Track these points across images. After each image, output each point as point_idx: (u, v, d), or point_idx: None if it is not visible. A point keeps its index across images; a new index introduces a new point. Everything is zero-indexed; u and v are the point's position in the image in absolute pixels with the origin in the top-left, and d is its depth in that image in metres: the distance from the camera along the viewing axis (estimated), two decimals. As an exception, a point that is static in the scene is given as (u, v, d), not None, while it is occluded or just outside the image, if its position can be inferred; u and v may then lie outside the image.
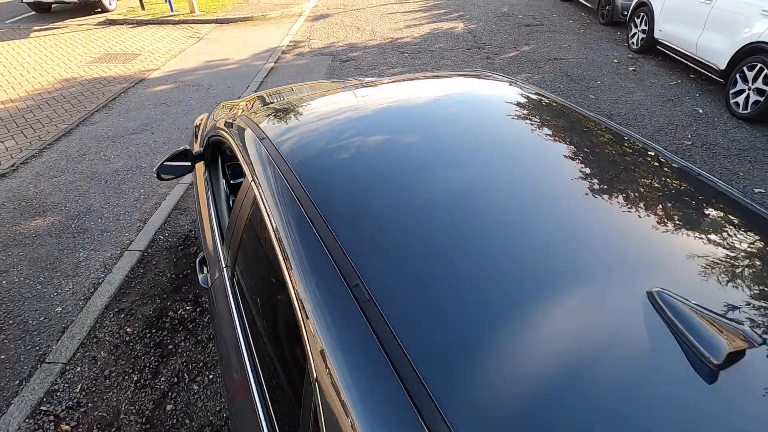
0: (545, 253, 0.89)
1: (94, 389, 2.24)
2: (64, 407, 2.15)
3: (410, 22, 8.70)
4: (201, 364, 2.35)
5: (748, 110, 4.55)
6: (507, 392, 0.66)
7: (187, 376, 2.29)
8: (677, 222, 0.99)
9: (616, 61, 6.44)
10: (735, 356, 0.67)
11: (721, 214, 1.04)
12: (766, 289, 0.84)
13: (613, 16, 7.85)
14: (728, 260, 0.89)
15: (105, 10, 9.75)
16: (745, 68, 4.56)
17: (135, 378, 2.29)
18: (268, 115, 1.62)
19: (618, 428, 0.62)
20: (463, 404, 0.65)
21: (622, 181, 1.12)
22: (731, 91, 4.76)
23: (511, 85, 1.72)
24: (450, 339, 0.74)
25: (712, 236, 0.95)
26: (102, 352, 2.42)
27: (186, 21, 9.07)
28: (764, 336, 0.71)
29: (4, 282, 2.85)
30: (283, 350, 1.06)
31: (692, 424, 0.63)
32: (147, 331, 2.54)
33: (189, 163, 2.18)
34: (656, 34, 6.19)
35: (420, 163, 1.15)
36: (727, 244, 0.94)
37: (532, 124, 1.38)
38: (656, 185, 1.12)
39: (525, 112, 1.47)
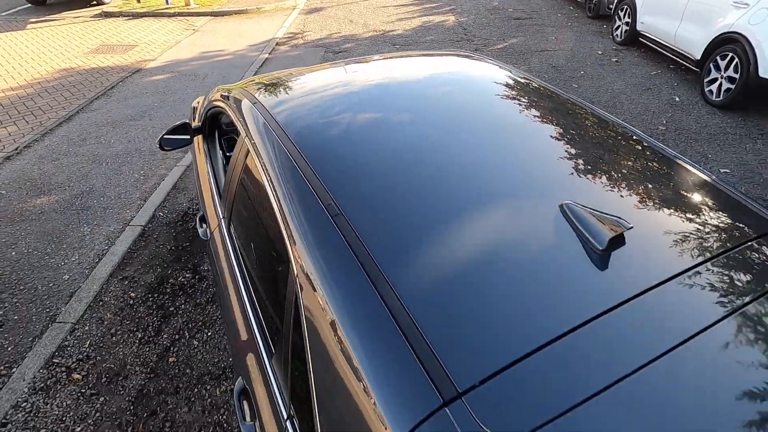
0: (493, 178, 1.10)
1: (101, 345, 2.43)
2: (74, 360, 2.35)
3: (402, 16, 8.86)
4: (200, 323, 2.55)
5: (721, 98, 4.78)
6: (445, 267, 0.87)
7: (187, 334, 2.49)
8: (590, 157, 1.21)
9: (600, 52, 6.65)
10: (616, 242, 0.88)
11: (622, 150, 1.29)
12: (640, 191, 1.07)
13: (600, 9, 8.07)
14: (620, 179, 1.13)
15: (101, 3, 9.84)
16: (718, 57, 4.78)
17: (139, 335, 2.49)
18: (260, 87, 1.81)
19: (531, 290, 0.84)
20: (410, 277, 0.86)
21: (558, 133, 1.33)
22: (706, 80, 4.98)
23: (479, 60, 1.92)
24: (403, 234, 0.94)
25: (611, 164, 1.20)
26: (108, 314, 2.61)
27: (181, 13, 9.19)
28: (635, 224, 0.93)
29: (13, 253, 3.03)
30: (272, 261, 1.25)
31: (581, 289, 0.84)
32: (149, 295, 2.74)
33: (188, 137, 2.36)
34: (638, 27, 6.40)
35: (391, 114, 1.35)
36: (622, 169, 1.19)
37: (488, 88, 1.59)
38: (580, 135, 1.33)
39: (488, 79, 1.68)
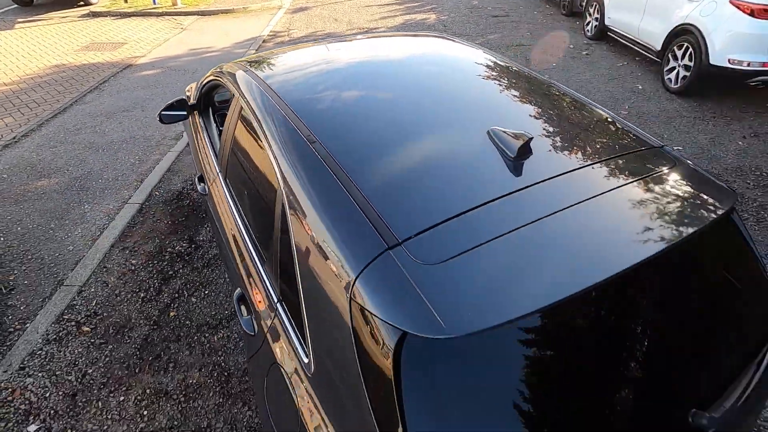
0: (440, 115, 1.40)
1: (107, 303, 2.66)
2: (83, 316, 2.58)
3: (386, 14, 9.17)
4: (198, 284, 2.79)
5: (679, 85, 5.16)
6: (394, 167, 1.16)
7: (186, 293, 2.73)
8: (515, 99, 1.53)
9: (572, 46, 7.03)
10: (525, 151, 1.17)
11: (541, 95, 1.62)
12: (549, 121, 1.38)
13: (573, 7, 8.47)
14: (536, 113, 1.45)
15: (88, 3, 9.95)
16: (675, 47, 5.17)
17: (142, 295, 2.72)
18: (247, 62, 2.09)
19: (459, 180, 1.13)
20: (369, 176, 1.14)
21: (495, 84, 1.64)
22: (665, 69, 5.37)
23: (440, 36, 2.22)
24: (362, 148, 1.23)
25: (530, 104, 1.53)
26: (112, 278, 2.84)
27: (169, 13, 9.38)
28: (535, 134, 1.23)
29: (19, 228, 3.24)
30: (263, 186, 1.51)
31: (497, 180, 1.13)
32: (149, 262, 2.97)
33: (185, 112, 2.62)
34: (606, 22, 6.79)
35: (360, 72, 1.65)
36: (538, 107, 1.51)
37: (446, 54, 1.91)
38: (511, 85, 1.65)
39: (446, 48, 1.98)
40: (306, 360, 1.10)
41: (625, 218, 1.05)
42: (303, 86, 1.59)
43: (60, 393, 2.16)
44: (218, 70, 2.26)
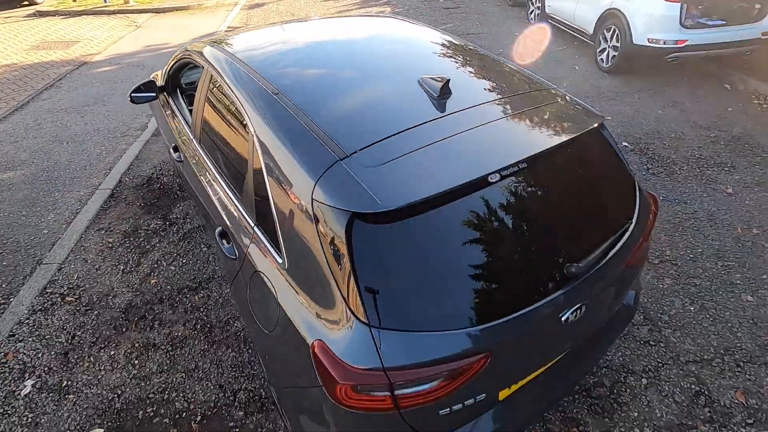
0: (380, 70, 1.71)
1: (88, 277, 2.82)
2: (66, 288, 2.73)
3: (342, 8, 9.42)
4: (175, 254, 2.98)
5: (609, 64, 5.71)
6: (340, 103, 1.46)
7: (164, 263, 2.93)
8: (442, 57, 1.87)
9: (517, 33, 7.52)
10: (446, 92, 1.49)
11: (462, 54, 1.96)
12: (466, 71, 1.72)
13: (519, -3, 9.02)
14: (457, 67, 1.80)
15: (33, 3, 9.66)
16: (604, 30, 5.71)
17: (122, 268, 2.89)
18: (212, 41, 2.33)
19: (393, 112, 1.45)
20: (325, 114, 1.43)
21: (427, 47, 1.98)
22: (597, 50, 5.91)
23: (389, 16, 2.53)
24: (319, 93, 1.52)
25: (452, 59, 1.88)
26: (90, 255, 2.99)
27: (122, 11, 9.25)
28: (451, 77, 1.55)
29: (-10, 217, 3.31)
30: (235, 136, 1.77)
31: (423, 112, 1.45)
32: (126, 239, 3.13)
33: (154, 94, 2.81)
34: (547, 10, 7.32)
35: (312, 41, 1.94)
36: (459, 63, 1.86)
37: (389, 27, 2.24)
38: (442, 50, 1.99)
39: (391, 24, 2.31)
40: (280, 260, 1.38)
41: (519, 133, 1.40)
42: (264, 53, 1.86)
43: (52, 353, 2.33)
44: (185, 50, 2.48)
